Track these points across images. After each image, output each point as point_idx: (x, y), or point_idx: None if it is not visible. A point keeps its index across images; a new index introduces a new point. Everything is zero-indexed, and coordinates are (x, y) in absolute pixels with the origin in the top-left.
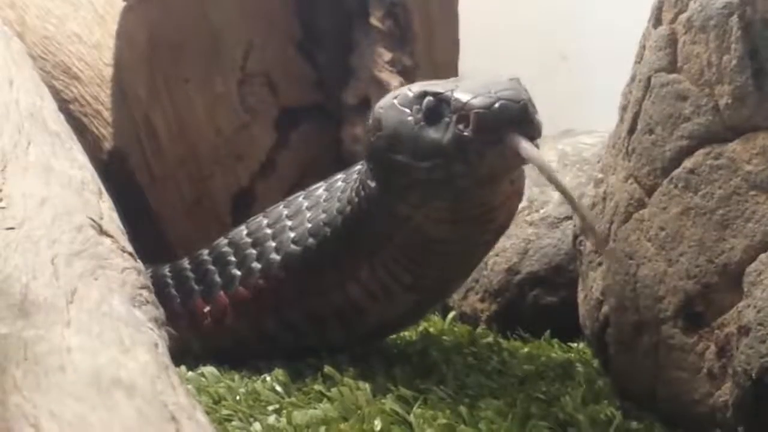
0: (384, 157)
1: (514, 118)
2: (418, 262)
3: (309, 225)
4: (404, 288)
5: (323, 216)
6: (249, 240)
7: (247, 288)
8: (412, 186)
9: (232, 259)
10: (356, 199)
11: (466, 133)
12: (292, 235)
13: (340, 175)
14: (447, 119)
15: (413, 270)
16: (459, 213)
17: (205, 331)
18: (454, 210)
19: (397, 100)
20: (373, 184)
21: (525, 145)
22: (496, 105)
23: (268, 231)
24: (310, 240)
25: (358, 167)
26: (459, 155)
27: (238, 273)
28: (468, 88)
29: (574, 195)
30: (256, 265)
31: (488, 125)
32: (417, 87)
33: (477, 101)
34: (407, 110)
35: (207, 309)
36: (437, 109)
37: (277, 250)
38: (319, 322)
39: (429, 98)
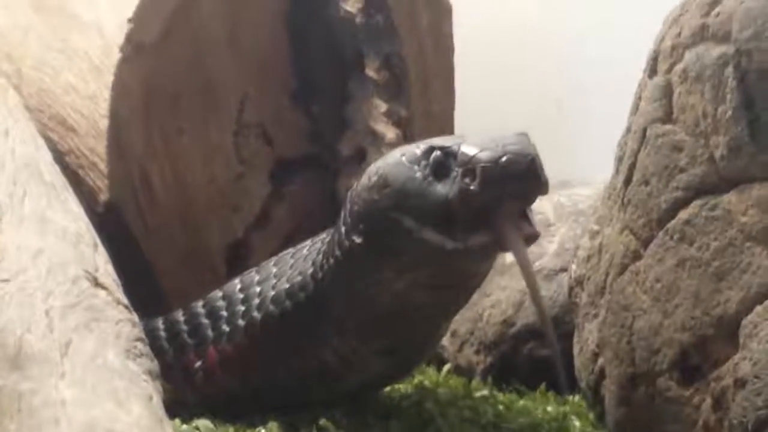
0: (386, 217)
1: (521, 174)
2: (391, 327)
3: (287, 285)
4: (376, 353)
5: (299, 278)
6: (240, 295)
7: (231, 345)
8: (407, 249)
9: (224, 313)
10: (326, 264)
11: (472, 187)
12: (272, 294)
13: (323, 235)
14: (454, 173)
15: (384, 336)
16: (444, 279)
17: (198, 386)
18: (440, 276)
19: (404, 157)
20: (358, 241)
21: (517, 245)
22: (503, 159)
23: (257, 288)
24: (287, 302)
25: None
26: (466, 211)
27: (227, 329)
28: (475, 141)
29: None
30: (241, 322)
31: (495, 179)
32: (424, 143)
33: (484, 155)
34: (415, 167)
35: (198, 364)
36: (445, 163)
37: (258, 308)
38: (302, 381)
39: (436, 152)
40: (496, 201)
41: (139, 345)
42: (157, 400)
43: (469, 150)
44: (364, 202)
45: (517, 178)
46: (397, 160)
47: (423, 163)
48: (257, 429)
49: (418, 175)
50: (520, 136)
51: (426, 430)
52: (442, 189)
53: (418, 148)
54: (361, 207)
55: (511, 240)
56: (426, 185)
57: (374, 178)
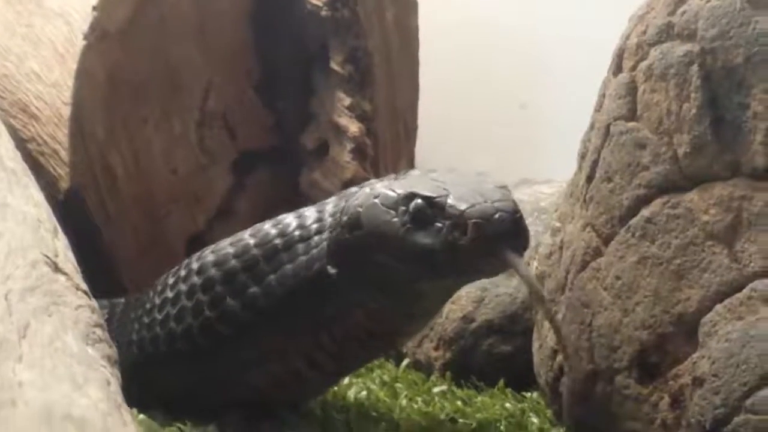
0: (363, 256)
1: (511, 230)
2: (349, 352)
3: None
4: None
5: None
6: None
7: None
8: (388, 283)
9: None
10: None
11: (461, 242)
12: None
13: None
14: (439, 225)
15: (339, 359)
16: (416, 308)
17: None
18: (414, 305)
19: (378, 200)
20: (332, 272)
21: (518, 262)
22: (495, 216)
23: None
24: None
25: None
26: (451, 262)
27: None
28: (462, 195)
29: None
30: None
31: (486, 235)
32: (400, 187)
33: (475, 211)
34: (391, 211)
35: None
36: (427, 212)
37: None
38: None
39: (418, 201)
40: (483, 253)
41: (98, 331)
42: (115, 386)
43: (458, 204)
44: (337, 239)
45: (507, 234)
46: (370, 202)
47: (401, 208)
48: (215, 420)
49: (395, 220)
50: (503, 190)
51: (383, 423)
52: (425, 239)
53: (392, 191)
54: (334, 244)
55: (514, 260)
56: (405, 232)
57: (345, 218)
